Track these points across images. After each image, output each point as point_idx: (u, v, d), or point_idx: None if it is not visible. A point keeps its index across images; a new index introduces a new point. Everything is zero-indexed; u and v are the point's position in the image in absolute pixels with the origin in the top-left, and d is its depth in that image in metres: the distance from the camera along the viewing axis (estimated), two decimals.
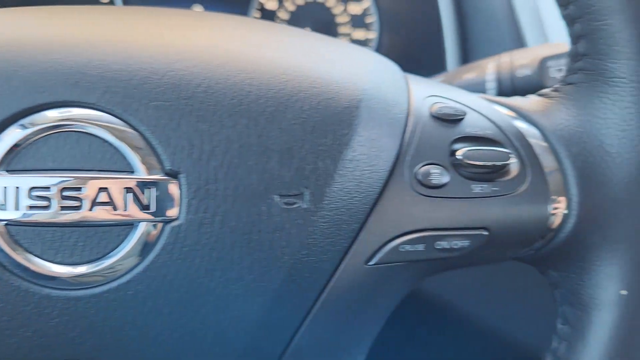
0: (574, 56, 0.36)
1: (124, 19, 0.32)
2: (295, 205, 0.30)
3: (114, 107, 0.29)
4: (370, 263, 0.32)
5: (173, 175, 0.29)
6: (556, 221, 0.35)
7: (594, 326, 0.35)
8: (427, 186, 0.33)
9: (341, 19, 0.83)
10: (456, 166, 0.33)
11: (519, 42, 0.64)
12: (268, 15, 0.82)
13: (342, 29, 0.83)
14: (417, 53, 0.78)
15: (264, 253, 0.30)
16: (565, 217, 0.35)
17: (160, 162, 0.29)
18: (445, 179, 0.33)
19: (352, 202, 0.31)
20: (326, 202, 0.30)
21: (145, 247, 0.29)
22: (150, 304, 0.29)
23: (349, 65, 0.34)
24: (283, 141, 0.30)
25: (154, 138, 0.29)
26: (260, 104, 0.30)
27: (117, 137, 0.29)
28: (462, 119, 0.34)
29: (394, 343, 0.63)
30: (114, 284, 0.29)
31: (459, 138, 0.34)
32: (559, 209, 0.35)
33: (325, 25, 0.83)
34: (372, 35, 0.83)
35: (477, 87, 0.51)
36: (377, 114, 0.32)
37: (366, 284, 0.33)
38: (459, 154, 0.33)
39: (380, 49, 0.83)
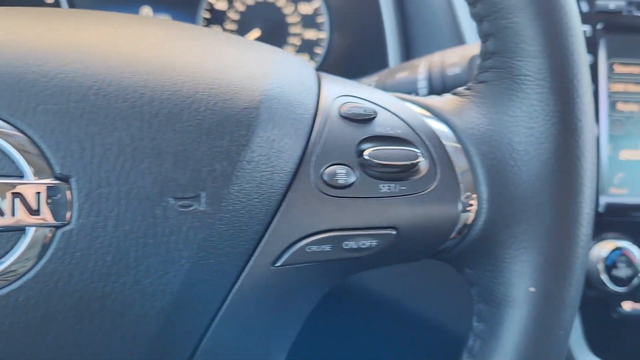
0: (484, 54, 0.36)
1: (21, 20, 0.32)
2: (191, 208, 0.29)
3: (0, 110, 0.28)
4: (277, 264, 0.32)
5: (64, 179, 0.28)
6: (469, 219, 0.35)
7: (506, 324, 0.35)
8: (334, 186, 0.33)
9: (292, 19, 0.83)
10: (363, 166, 0.33)
11: (459, 40, 0.64)
12: (218, 15, 0.82)
13: (292, 29, 0.83)
14: (366, 52, 0.78)
15: (161, 257, 0.29)
16: (477, 215, 0.35)
17: (50, 166, 0.28)
18: (352, 179, 0.33)
19: (252, 203, 0.31)
20: (224, 204, 0.30)
21: (39, 252, 0.28)
22: (43, 310, 0.29)
23: (253, 65, 0.33)
24: (178, 143, 0.29)
25: (43, 142, 0.28)
26: (153, 105, 0.29)
27: (5, 141, 0.28)
28: (372, 118, 0.34)
29: (323, 336, 0.63)
30: (4, 291, 0.28)
31: (368, 138, 0.34)
32: (472, 207, 0.35)
33: (276, 25, 0.83)
34: (323, 35, 0.83)
35: (410, 86, 0.51)
36: (278, 114, 0.32)
37: (274, 286, 0.33)
38: (366, 154, 0.33)
39: (331, 49, 0.83)
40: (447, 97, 0.38)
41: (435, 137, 0.35)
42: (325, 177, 0.32)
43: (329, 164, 0.33)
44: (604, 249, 0.63)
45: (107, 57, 0.30)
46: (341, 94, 0.35)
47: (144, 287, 0.29)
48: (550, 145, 0.34)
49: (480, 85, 0.36)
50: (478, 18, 0.35)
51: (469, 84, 0.37)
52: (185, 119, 0.29)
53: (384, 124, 0.35)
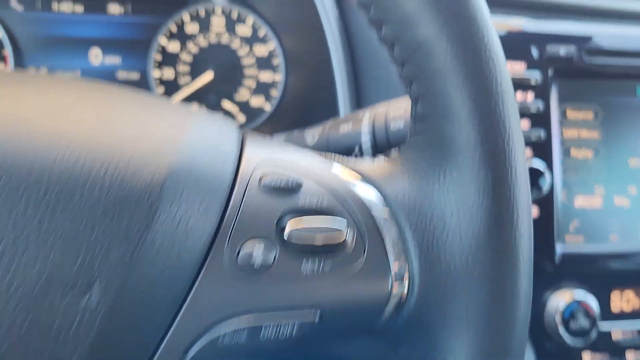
0: (414, 117, 0.34)
1: None
2: (83, 302, 0.27)
3: None
4: (187, 357, 0.29)
5: None
6: (402, 297, 0.33)
7: None
8: (251, 266, 0.30)
9: (247, 61, 0.81)
10: (284, 242, 0.31)
11: None
12: (170, 57, 0.80)
13: (248, 71, 0.81)
14: (320, 95, 0.76)
15: (47, 355, 0.26)
16: (409, 293, 0.33)
17: None
18: (271, 257, 0.30)
19: (156, 292, 0.28)
20: (121, 294, 0.27)
21: None
22: None
23: (162, 133, 0.31)
24: (68, 228, 0.26)
25: None
26: (41, 186, 0.26)
27: None
28: (295, 190, 0.32)
29: None
30: None
31: (290, 210, 0.32)
32: (404, 283, 0.33)
33: (231, 67, 0.81)
34: (279, 77, 0.81)
35: (354, 140, 0.49)
36: (186, 190, 0.29)
37: None
38: (286, 233, 0.31)
39: (286, 91, 0.81)
40: (379, 161, 0.36)
41: (364, 208, 0.33)
42: (242, 256, 0.30)
43: (246, 240, 0.30)
44: (561, 300, 0.62)
45: None
46: (264, 160, 0.33)
47: None
48: (482, 217, 0.31)
49: (411, 149, 0.34)
50: (407, 80, 0.34)
51: (402, 148, 0.35)
52: (77, 201, 0.27)
53: (308, 194, 0.32)
